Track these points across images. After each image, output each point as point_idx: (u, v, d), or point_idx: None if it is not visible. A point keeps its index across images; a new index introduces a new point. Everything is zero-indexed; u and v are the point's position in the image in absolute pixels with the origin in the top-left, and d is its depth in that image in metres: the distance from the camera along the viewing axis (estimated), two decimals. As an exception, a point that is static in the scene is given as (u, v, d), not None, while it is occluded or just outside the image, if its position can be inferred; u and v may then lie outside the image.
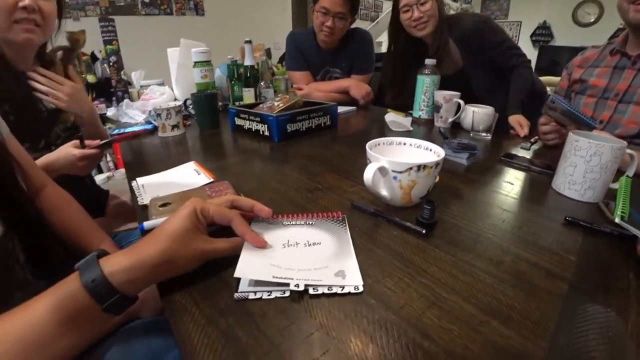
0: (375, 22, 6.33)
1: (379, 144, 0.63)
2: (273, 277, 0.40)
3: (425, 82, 1.22)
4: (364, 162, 0.58)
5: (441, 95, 1.17)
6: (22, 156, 0.66)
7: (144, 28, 3.43)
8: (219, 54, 1.37)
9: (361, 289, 0.40)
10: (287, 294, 0.39)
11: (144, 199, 0.66)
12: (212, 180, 0.72)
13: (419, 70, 1.24)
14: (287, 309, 0.38)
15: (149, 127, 1.26)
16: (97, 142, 0.92)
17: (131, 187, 0.73)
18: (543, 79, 4.39)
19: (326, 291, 0.40)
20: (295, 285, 0.39)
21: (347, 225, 0.53)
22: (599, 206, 0.65)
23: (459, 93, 1.18)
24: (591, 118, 0.94)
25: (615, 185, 0.67)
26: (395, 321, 0.36)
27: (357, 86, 1.56)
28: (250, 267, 0.41)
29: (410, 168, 0.51)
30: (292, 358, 0.32)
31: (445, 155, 0.87)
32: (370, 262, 0.46)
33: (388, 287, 0.40)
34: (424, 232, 0.50)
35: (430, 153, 0.61)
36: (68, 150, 0.88)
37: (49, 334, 0.33)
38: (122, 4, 3.33)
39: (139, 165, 0.88)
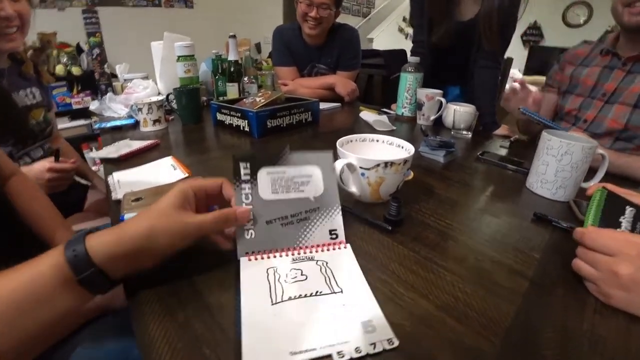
0: (368, 17, 6.33)
1: (351, 141, 0.63)
2: (291, 354, 0.32)
3: (408, 80, 1.22)
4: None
5: (424, 93, 1.18)
6: None
7: (131, 20, 3.38)
8: (207, 48, 1.36)
9: (396, 343, 0.33)
10: None
11: (118, 194, 0.65)
12: (187, 175, 0.72)
13: (403, 67, 1.24)
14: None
15: (130, 121, 1.25)
16: (72, 160, 0.97)
17: (107, 182, 0.73)
18: (533, 77, 4.43)
19: (357, 355, 0.32)
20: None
21: (354, 257, 0.46)
22: (569, 205, 0.66)
23: (441, 91, 1.19)
24: (557, 124, 0.94)
25: (587, 185, 0.69)
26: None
27: (343, 83, 1.56)
28: (258, 355, 0.32)
29: (378, 165, 0.52)
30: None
31: (422, 152, 0.89)
32: (335, 259, 0.46)
33: (348, 284, 0.41)
34: (389, 228, 0.50)
35: (401, 150, 0.61)
36: (40, 163, 0.92)
37: (27, 302, 0.33)
38: (110, -6, 3.27)
39: (115, 161, 0.87)
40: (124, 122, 1.25)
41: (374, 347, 0.32)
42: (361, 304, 0.38)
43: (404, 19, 6.26)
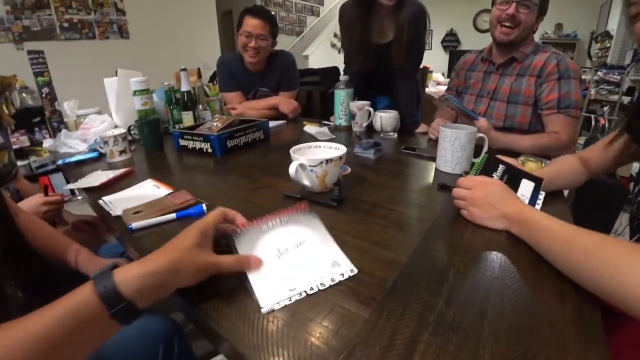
0: (301, 36, 6.66)
1: (300, 148, 0.84)
2: (290, 291, 0.47)
3: (341, 95, 1.46)
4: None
5: (355, 105, 1.42)
6: None
7: (68, 54, 3.32)
8: (149, 77, 1.47)
9: (356, 271, 0.51)
10: (304, 295, 0.47)
11: (116, 211, 0.79)
12: (171, 191, 0.87)
13: (335, 84, 1.48)
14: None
15: (94, 155, 1.34)
16: (60, 194, 1.07)
17: (98, 205, 0.85)
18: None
19: (331, 283, 0.49)
20: (310, 289, 0.48)
21: (316, 215, 0.61)
22: (461, 175, 0.91)
23: (369, 102, 1.43)
24: (473, 111, 1.23)
25: (477, 160, 0.95)
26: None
27: (285, 102, 1.77)
28: (268, 294, 0.47)
29: (321, 162, 0.72)
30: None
31: (357, 152, 1.12)
32: (301, 229, 0.65)
33: (311, 239, 0.61)
34: (335, 205, 0.71)
35: (337, 150, 0.82)
36: (33, 198, 1.00)
37: (60, 338, 0.35)
38: (38, 28, 3.20)
39: (96, 189, 0.95)
40: (87, 155, 1.34)
41: (342, 276, 0.51)
42: (328, 250, 0.55)
43: (335, 35, 6.66)
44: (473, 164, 0.95)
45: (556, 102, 1.14)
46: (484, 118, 1.16)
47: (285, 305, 0.46)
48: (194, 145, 1.24)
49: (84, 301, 0.37)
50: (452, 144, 0.93)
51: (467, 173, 0.91)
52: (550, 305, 0.45)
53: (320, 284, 0.49)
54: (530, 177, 0.74)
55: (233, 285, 0.50)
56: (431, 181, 0.91)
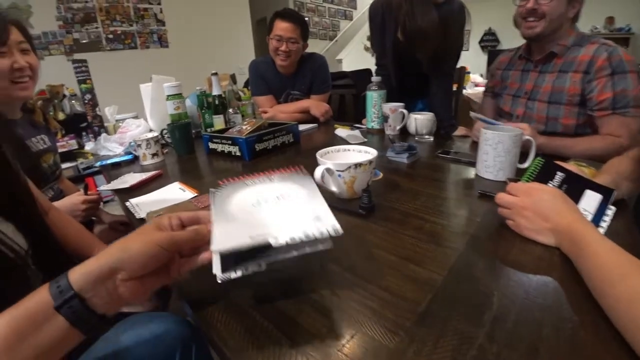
0: (334, 40, 6.65)
1: (328, 152, 0.79)
2: (249, 237, 0.39)
3: (373, 97, 1.40)
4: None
5: (388, 107, 1.35)
6: (30, 185, 0.77)
7: (111, 63, 3.51)
8: (185, 83, 1.50)
9: (341, 231, 0.40)
10: (263, 267, 0.41)
11: (140, 213, 0.79)
12: (196, 194, 0.86)
13: (367, 86, 1.42)
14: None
15: (129, 157, 1.38)
16: (98, 192, 1.13)
17: (126, 207, 0.85)
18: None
19: (303, 238, 0.39)
20: (274, 239, 0.38)
21: (309, 175, 0.56)
22: (505, 182, 0.83)
23: (403, 104, 1.36)
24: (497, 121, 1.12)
25: (524, 165, 0.86)
26: (337, 270, 0.52)
27: (317, 106, 1.73)
28: (227, 237, 0.40)
29: (350, 167, 0.67)
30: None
31: (390, 157, 1.06)
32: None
33: (335, 252, 0.55)
34: (363, 213, 0.66)
35: (367, 154, 0.77)
36: (73, 196, 1.06)
37: (14, 340, 0.33)
38: (86, 41, 3.41)
39: (127, 190, 0.99)
40: (122, 158, 1.38)
41: (321, 234, 0.40)
42: (313, 206, 0.46)
43: (368, 38, 6.60)
44: (518, 170, 0.87)
45: (611, 101, 1.01)
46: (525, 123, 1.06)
47: (242, 275, 0.40)
48: (223, 149, 1.23)
49: (37, 301, 0.34)
50: (494, 148, 0.84)
51: (511, 180, 0.82)
52: (618, 349, 0.37)
53: (290, 238, 0.39)
54: (596, 187, 0.63)
55: (245, 300, 0.46)
56: (471, 189, 0.83)
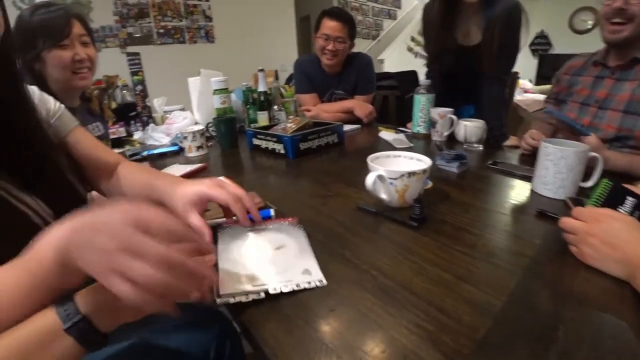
0: (377, 39, 6.57)
1: (378, 157, 0.77)
2: (253, 286, 0.48)
3: (421, 101, 1.36)
4: (368, 173, 0.71)
5: (436, 112, 1.31)
6: (90, 143, 0.74)
7: (160, 56, 3.66)
8: (229, 78, 1.53)
9: (325, 282, 0.49)
10: (262, 295, 0.47)
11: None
12: (240, 191, 0.86)
13: (416, 89, 1.38)
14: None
15: (175, 148, 1.42)
16: None
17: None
18: (542, 87, 4.46)
19: (295, 288, 0.48)
20: (273, 289, 0.47)
21: (302, 228, 0.63)
22: (565, 201, 0.77)
23: (452, 109, 1.31)
24: (582, 126, 1.04)
25: (587, 184, 0.80)
26: (390, 285, 0.49)
27: (361, 106, 1.70)
28: (233, 284, 0.48)
29: (403, 175, 0.65)
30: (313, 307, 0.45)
31: (438, 165, 1.02)
32: (372, 247, 0.59)
33: (385, 263, 0.54)
34: (415, 225, 0.63)
35: (419, 163, 0.74)
36: None
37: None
38: (139, 35, 3.59)
39: None
40: (169, 149, 1.42)
41: (309, 284, 0.49)
42: (304, 260, 0.54)
43: (412, 39, 6.46)
44: (580, 188, 0.81)
45: None
46: (594, 135, 0.98)
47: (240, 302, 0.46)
48: (267, 146, 1.24)
49: (45, 323, 0.35)
50: (555, 164, 0.78)
51: (571, 200, 0.77)
52: None
53: (284, 286, 0.48)
54: None
55: (296, 312, 0.45)
56: (526, 205, 0.78)
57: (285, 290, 0.47)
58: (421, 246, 0.58)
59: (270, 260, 0.54)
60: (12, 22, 1.01)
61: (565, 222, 0.56)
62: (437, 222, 0.67)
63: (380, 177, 0.66)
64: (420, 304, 0.45)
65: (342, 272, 0.52)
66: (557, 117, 1.00)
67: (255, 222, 0.60)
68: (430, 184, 0.85)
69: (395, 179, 0.65)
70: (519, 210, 0.75)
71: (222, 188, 0.58)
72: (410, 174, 0.65)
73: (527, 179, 0.89)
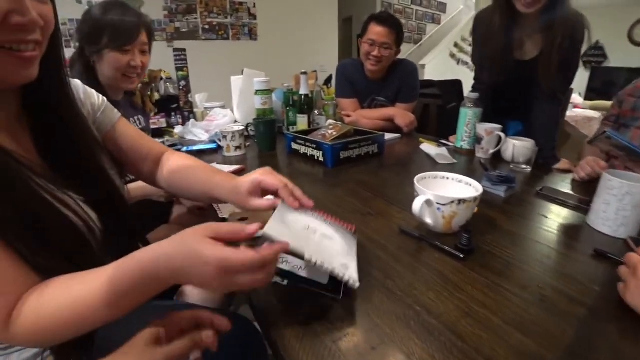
0: (419, 44, 6.43)
1: (425, 178, 0.73)
2: (291, 243, 0.44)
3: (467, 115, 1.30)
4: (409, 190, 0.68)
5: (483, 128, 1.25)
6: (134, 134, 0.75)
7: (204, 52, 3.77)
8: (270, 76, 1.53)
9: (357, 285, 0.48)
10: (285, 282, 0.49)
11: (223, 213, 0.80)
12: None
13: (462, 102, 1.32)
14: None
15: (213, 146, 1.44)
16: None
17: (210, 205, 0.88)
18: (594, 103, 4.17)
19: (329, 269, 0.46)
20: (309, 256, 0.45)
21: (356, 238, 0.62)
22: (626, 241, 0.70)
23: (500, 126, 1.25)
24: None
25: None
26: (435, 325, 0.46)
27: (402, 115, 1.66)
28: (276, 230, 0.47)
29: (452, 201, 0.61)
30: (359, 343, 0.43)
31: (484, 187, 0.96)
32: (415, 277, 0.56)
33: (430, 299, 0.51)
34: (462, 256, 0.59)
35: (469, 188, 0.70)
36: None
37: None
38: (186, 30, 3.71)
39: None
40: (207, 146, 1.44)
41: (342, 277, 0.47)
42: (346, 257, 0.53)
43: (455, 45, 6.27)
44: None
45: None
46: None
47: None
48: (306, 151, 1.23)
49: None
50: (619, 199, 0.72)
51: (633, 240, 0.70)
52: None
53: (320, 262, 0.46)
54: None
55: (338, 348, 0.43)
56: (581, 241, 0.72)
57: (319, 264, 0.46)
58: (468, 282, 0.55)
59: (315, 241, 0.53)
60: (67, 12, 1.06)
61: (630, 257, 0.51)
62: (484, 253, 0.63)
63: (427, 202, 0.63)
64: (468, 351, 0.42)
65: (385, 305, 0.50)
66: (619, 142, 0.92)
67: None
68: (475, 209, 0.81)
69: (444, 204, 0.62)
70: (573, 246, 0.70)
71: (272, 175, 0.63)
72: (461, 201, 0.61)
73: (582, 210, 0.83)
